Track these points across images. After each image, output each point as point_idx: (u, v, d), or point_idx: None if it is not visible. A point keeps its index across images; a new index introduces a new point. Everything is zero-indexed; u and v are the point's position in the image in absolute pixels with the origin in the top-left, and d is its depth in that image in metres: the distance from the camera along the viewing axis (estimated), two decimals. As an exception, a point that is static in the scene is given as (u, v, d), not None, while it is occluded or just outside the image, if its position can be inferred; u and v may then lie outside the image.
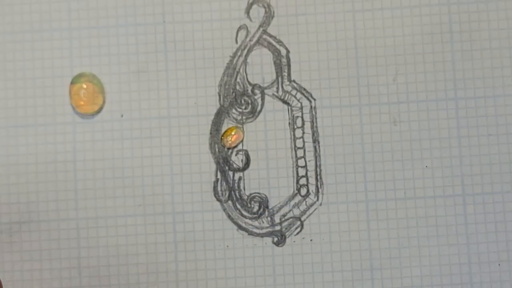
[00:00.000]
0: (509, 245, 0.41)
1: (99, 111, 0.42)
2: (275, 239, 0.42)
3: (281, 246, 0.42)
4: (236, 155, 0.42)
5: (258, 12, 0.43)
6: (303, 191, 0.42)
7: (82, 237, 0.42)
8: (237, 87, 0.42)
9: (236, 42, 0.43)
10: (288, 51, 0.42)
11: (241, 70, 0.42)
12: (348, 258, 0.41)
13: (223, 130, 0.42)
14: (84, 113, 0.42)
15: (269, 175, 0.42)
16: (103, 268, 0.41)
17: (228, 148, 0.42)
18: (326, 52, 0.42)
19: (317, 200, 0.42)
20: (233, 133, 0.42)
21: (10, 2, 0.43)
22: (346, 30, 0.42)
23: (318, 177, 0.42)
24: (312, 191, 0.42)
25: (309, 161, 0.42)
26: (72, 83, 0.42)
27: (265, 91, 0.42)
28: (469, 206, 0.41)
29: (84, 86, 0.42)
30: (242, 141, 0.42)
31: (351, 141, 0.42)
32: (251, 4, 0.43)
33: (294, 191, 0.42)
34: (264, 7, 0.43)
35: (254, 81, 0.42)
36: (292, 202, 0.42)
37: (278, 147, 0.42)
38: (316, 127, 0.42)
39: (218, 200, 0.42)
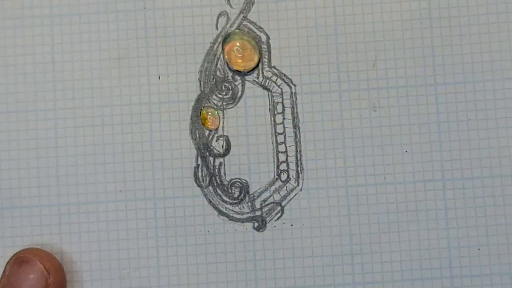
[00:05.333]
0: (489, 230, 0.41)
1: (254, 67, 0.42)
2: (256, 224, 0.42)
3: (262, 231, 0.42)
4: (216, 140, 0.42)
5: (238, -2, 0.43)
6: (284, 176, 0.42)
7: (64, 223, 0.42)
8: (218, 73, 0.43)
9: (217, 28, 0.43)
10: (268, 37, 0.43)
11: (221, 56, 0.42)
12: (328, 243, 0.41)
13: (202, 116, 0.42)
14: (242, 70, 0.42)
15: (249, 160, 0.42)
16: (84, 254, 0.42)
17: (210, 130, 0.42)
18: (306, 38, 0.42)
19: (298, 185, 0.42)
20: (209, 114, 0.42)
21: (-8, -11, 0.43)
22: (326, 17, 0.42)
23: (299, 162, 0.42)
24: (292, 176, 0.42)
25: (289, 146, 0.42)
26: (225, 42, 0.42)
27: (246, 77, 0.42)
28: (448, 191, 0.42)
29: (237, 43, 0.41)
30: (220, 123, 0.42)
31: (331, 126, 0.42)
32: (232, -10, 0.43)
33: (274, 177, 0.42)
34: (245, -6, 0.43)
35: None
36: (273, 188, 0.42)
37: (259, 133, 0.42)
38: (297, 113, 0.42)
39: (199, 185, 0.42)
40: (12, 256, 0.39)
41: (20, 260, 0.39)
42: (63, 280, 0.40)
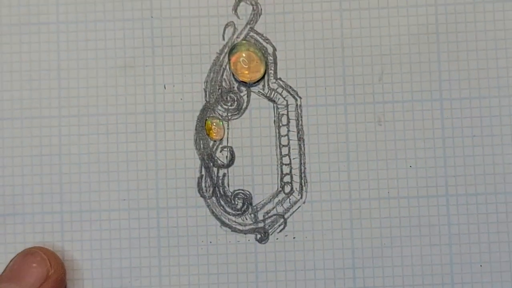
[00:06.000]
0: (491, 247, 0.41)
1: (260, 79, 0.42)
2: (258, 236, 0.42)
3: (264, 243, 0.42)
4: (220, 151, 0.42)
5: (245, 9, 0.43)
6: (287, 188, 0.42)
7: (66, 231, 0.42)
8: (223, 83, 0.42)
9: (223, 39, 0.43)
10: (275, 49, 0.42)
11: (227, 67, 0.42)
12: (330, 257, 0.41)
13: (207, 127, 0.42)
14: (248, 81, 0.42)
15: (253, 172, 0.42)
16: (86, 262, 0.42)
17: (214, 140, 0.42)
18: (313, 51, 0.42)
19: (301, 198, 0.42)
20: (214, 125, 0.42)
21: (-1, -6, 0.43)
22: (333, 29, 0.42)
23: (302, 175, 0.42)
24: (296, 189, 0.42)
25: (293, 159, 0.42)
26: (232, 53, 0.42)
27: (251, 88, 0.42)
28: (452, 207, 0.41)
29: (244, 54, 0.41)
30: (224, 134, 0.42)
31: (336, 139, 0.42)
32: (239, 1, 0.43)
33: (278, 189, 0.42)
34: (252, 5, 0.43)
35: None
36: (276, 200, 0.42)
37: (263, 145, 0.42)
38: (301, 125, 0.42)
39: (202, 196, 0.42)
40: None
41: (25, 252, 0.40)
42: (63, 276, 0.40)
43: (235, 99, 0.42)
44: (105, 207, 0.42)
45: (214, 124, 0.42)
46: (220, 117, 0.42)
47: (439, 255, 0.41)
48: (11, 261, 0.40)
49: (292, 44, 0.42)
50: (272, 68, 0.42)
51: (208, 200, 0.42)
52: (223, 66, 0.42)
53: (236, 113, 0.42)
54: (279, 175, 0.42)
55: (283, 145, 0.42)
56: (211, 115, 0.42)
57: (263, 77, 0.42)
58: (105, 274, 0.42)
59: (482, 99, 0.42)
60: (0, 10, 0.43)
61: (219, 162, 0.42)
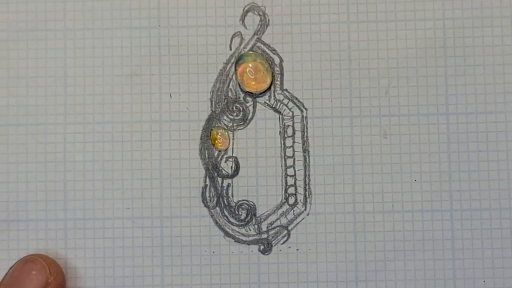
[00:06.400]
0: (495, 262, 0.41)
1: (267, 89, 0.42)
2: (261, 247, 0.42)
3: (267, 254, 0.42)
4: (225, 161, 0.42)
5: (253, 19, 0.43)
6: (291, 200, 0.42)
7: (70, 238, 0.42)
8: (229, 94, 0.42)
9: (230, 49, 0.43)
10: (281, 60, 0.42)
11: (234, 77, 0.42)
12: (333, 269, 0.41)
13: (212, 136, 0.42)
14: (254, 92, 0.42)
15: (258, 183, 0.42)
16: (89, 270, 0.42)
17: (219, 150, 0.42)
18: (320, 62, 0.42)
19: (305, 209, 0.42)
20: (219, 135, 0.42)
21: (6, 0, 0.43)
22: (340, 41, 0.42)
23: (307, 186, 0.42)
24: (300, 200, 0.42)
25: (298, 170, 0.42)
26: (238, 63, 0.42)
27: (257, 99, 0.42)
28: (456, 221, 0.41)
29: (250, 65, 0.41)
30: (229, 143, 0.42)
31: (341, 152, 0.42)
32: (247, 11, 0.43)
33: (282, 200, 0.42)
34: (260, 15, 0.43)
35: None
36: (280, 211, 0.42)
37: (268, 155, 0.42)
38: (307, 137, 0.42)
39: (206, 206, 0.42)
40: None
41: (25, 259, 0.40)
42: (63, 284, 0.40)
43: (241, 109, 0.42)
44: (109, 215, 0.42)
45: (220, 134, 0.42)
46: (225, 127, 0.42)
47: (442, 269, 0.41)
48: (11, 268, 0.40)
49: (299, 55, 0.42)
50: (279, 79, 0.42)
51: (212, 210, 0.42)
52: (230, 76, 0.42)
53: (241, 123, 0.42)
54: (284, 186, 0.42)
55: (288, 157, 0.42)
56: (216, 125, 0.42)
57: (269, 88, 0.42)
58: (108, 283, 0.41)
59: (488, 114, 0.42)
60: (7, 16, 0.43)
61: (223, 172, 0.42)
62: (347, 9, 0.42)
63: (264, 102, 0.42)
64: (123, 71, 0.43)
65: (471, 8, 0.42)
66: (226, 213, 0.42)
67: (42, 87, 0.43)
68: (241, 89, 0.42)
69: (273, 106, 0.42)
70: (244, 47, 0.43)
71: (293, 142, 0.42)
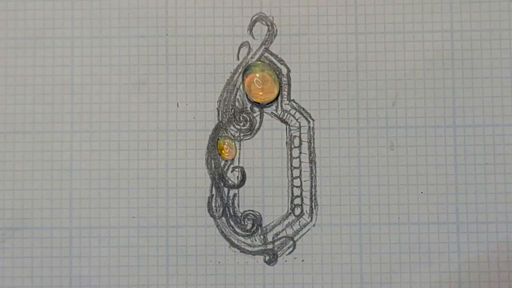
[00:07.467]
0: (501, 276, 0.41)
1: (274, 100, 0.42)
2: (267, 257, 0.42)
3: (273, 265, 0.42)
4: (232, 171, 0.42)
5: (261, 29, 0.43)
6: (297, 211, 0.42)
7: (75, 246, 0.42)
8: (237, 103, 0.42)
9: (238, 58, 0.43)
10: (289, 70, 0.42)
11: (241, 87, 0.42)
12: (338, 281, 0.41)
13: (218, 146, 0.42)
14: (262, 102, 0.42)
15: (264, 193, 0.42)
16: (94, 279, 0.42)
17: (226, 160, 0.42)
18: (327, 73, 0.42)
19: (311, 220, 0.42)
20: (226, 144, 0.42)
21: (15, 8, 0.43)
22: (347, 52, 0.42)
23: (313, 197, 0.42)
24: (306, 211, 0.42)
25: (304, 181, 0.42)
26: (246, 73, 0.42)
27: (264, 109, 0.42)
28: (462, 234, 0.41)
29: (258, 75, 0.41)
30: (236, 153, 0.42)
31: (348, 163, 0.42)
32: (255, 21, 0.43)
33: (288, 211, 0.42)
34: (267, 25, 0.43)
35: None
36: (286, 222, 0.42)
37: (274, 166, 0.42)
38: (314, 147, 0.42)
39: (212, 216, 0.42)
40: None
41: None
42: None
43: (248, 119, 0.42)
44: (115, 224, 0.42)
45: (226, 144, 0.42)
46: (232, 137, 0.42)
47: (448, 282, 0.41)
48: None
49: (306, 66, 0.42)
50: (286, 90, 0.42)
51: (218, 220, 0.42)
52: (237, 86, 0.42)
53: (248, 133, 0.42)
54: (290, 197, 0.42)
55: (295, 167, 0.42)
56: (223, 134, 0.42)
57: (276, 98, 0.42)
58: (112, 291, 0.41)
59: (496, 127, 0.42)
60: (15, 23, 0.43)
61: (230, 182, 0.42)
62: (355, 20, 0.42)
63: (271, 112, 0.42)
64: (130, 79, 0.42)
65: (480, 21, 0.42)
66: (232, 223, 0.42)
67: (49, 95, 0.42)
68: (248, 99, 0.42)
69: (280, 116, 0.42)
70: (251, 57, 0.43)
71: (300, 152, 0.42)
